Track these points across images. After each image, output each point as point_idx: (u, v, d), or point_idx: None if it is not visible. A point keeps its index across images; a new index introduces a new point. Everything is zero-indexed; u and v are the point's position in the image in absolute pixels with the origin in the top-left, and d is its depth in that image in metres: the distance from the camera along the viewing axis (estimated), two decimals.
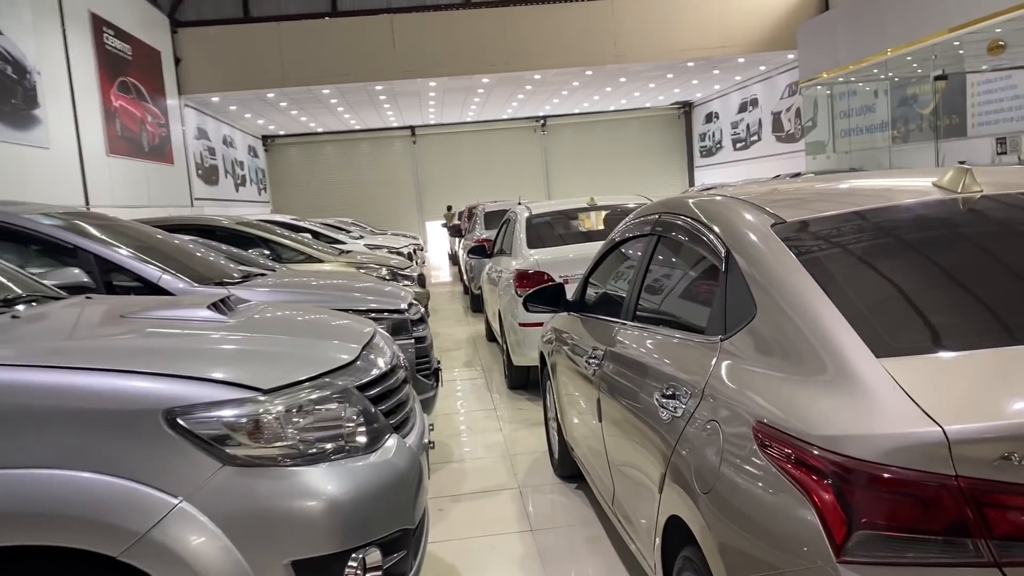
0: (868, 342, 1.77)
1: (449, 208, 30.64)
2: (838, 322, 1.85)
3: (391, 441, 2.41)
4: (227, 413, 2.08)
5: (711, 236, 2.50)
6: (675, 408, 2.31)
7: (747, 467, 1.86)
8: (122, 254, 4.51)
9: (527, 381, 6.99)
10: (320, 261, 9.41)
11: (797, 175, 18.00)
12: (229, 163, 24.39)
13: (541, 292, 4.15)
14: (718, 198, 2.73)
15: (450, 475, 4.99)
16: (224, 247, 7.73)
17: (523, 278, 6.53)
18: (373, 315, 4.77)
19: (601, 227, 7.28)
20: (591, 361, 3.41)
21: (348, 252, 10.54)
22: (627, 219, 3.64)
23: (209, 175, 21.84)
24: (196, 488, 2.01)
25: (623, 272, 3.59)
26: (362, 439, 2.31)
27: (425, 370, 4.98)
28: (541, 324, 6.37)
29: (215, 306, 2.69)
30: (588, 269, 4.10)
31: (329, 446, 2.23)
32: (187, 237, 7.70)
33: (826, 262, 2.12)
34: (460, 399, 7.01)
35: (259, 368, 2.26)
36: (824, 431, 1.65)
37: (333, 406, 2.27)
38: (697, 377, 2.26)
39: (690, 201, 2.83)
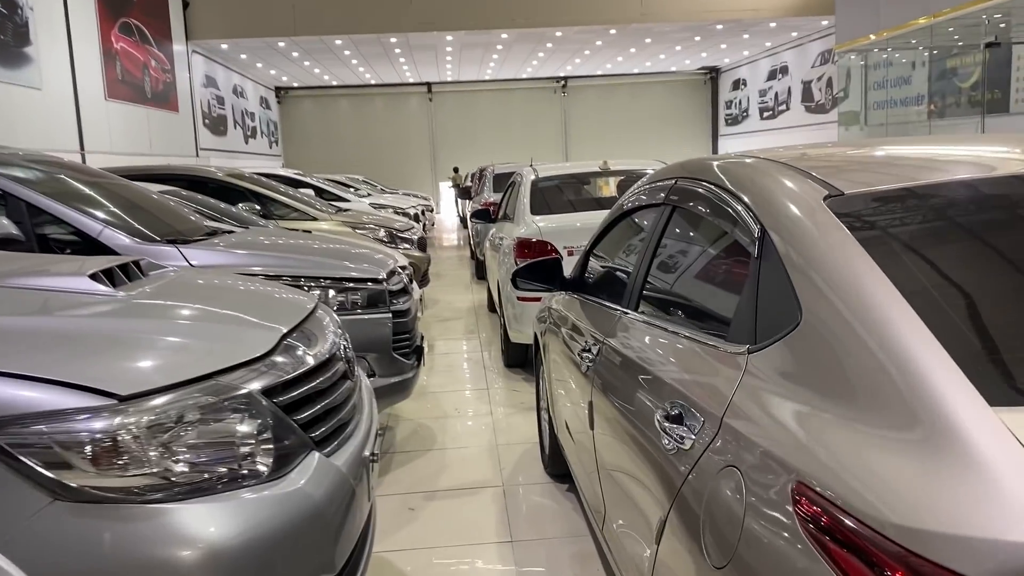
0: (977, 382, 1.18)
1: (456, 170, 29.89)
2: (930, 348, 1.25)
3: (308, 462, 1.85)
4: (64, 428, 1.52)
5: (740, 209, 1.90)
6: (681, 437, 1.74)
7: (780, 545, 1.28)
8: (59, 203, 3.95)
9: (525, 359, 6.43)
10: (313, 219, 8.86)
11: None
12: (239, 114, 23.76)
13: (534, 267, 3.57)
14: (750, 161, 2.12)
15: (429, 465, 4.45)
16: (204, 199, 7.19)
17: (524, 247, 5.94)
18: (347, 284, 4.21)
19: (614, 194, 6.66)
20: (585, 355, 2.83)
21: (346, 211, 9.97)
22: (638, 184, 3.03)
23: (217, 125, 21.24)
24: (12, 532, 1.46)
25: (630, 248, 2.99)
26: (265, 462, 1.75)
27: (405, 348, 4.41)
28: (540, 299, 5.80)
29: (106, 274, 2.12)
30: (591, 241, 3.51)
31: (218, 471, 1.67)
32: (167, 188, 7.17)
33: (906, 256, 1.52)
34: (451, 376, 6.47)
35: (123, 364, 1.69)
36: (910, 520, 1.07)
37: (225, 418, 1.71)
38: (713, 400, 1.68)
39: (715, 164, 2.22)
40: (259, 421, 1.75)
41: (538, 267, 3.57)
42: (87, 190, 4.46)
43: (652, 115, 31.34)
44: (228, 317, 2.10)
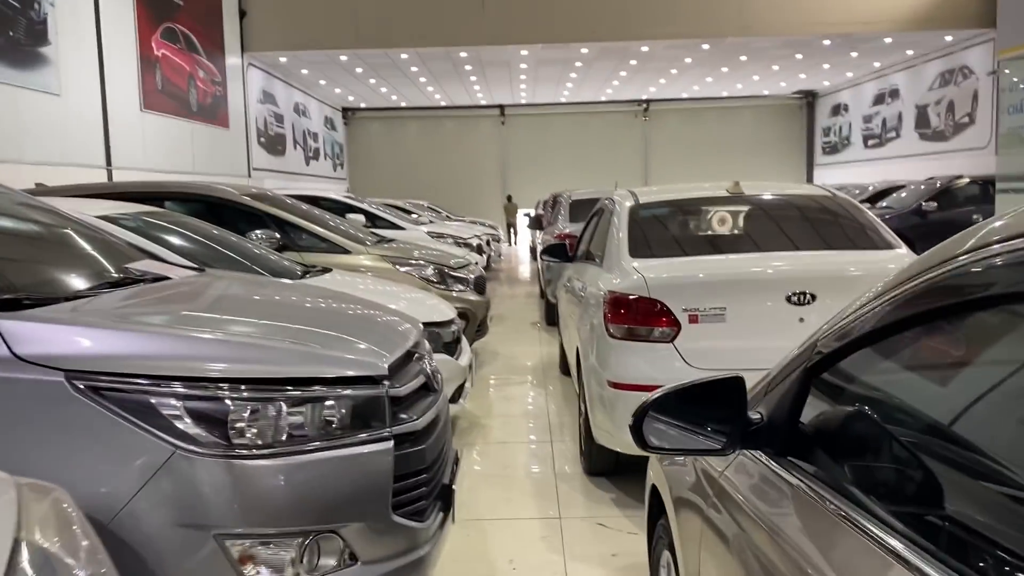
0: None
1: (509, 199, 27.89)
2: None
3: None
4: None
5: None
6: None
7: None
8: None
9: (615, 466, 4.43)
10: (344, 252, 7.06)
11: (958, 178, 14.75)
12: (300, 133, 22.45)
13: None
14: None
15: None
16: (195, 226, 5.48)
17: (620, 306, 3.96)
18: (313, 390, 2.29)
19: (747, 230, 4.63)
20: None
21: (390, 242, 8.15)
22: None
23: (274, 144, 19.90)
24: None
25: None
26: None
27: (418, 500, 2.47)
28: (652, 390, 3.81)
29: None
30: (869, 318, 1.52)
31: None
32: (148, 209, 5.51)
33: None
34: (506, 484, 4.48)
35: None
36: None
37: None
38: None
39: None
40: None
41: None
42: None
43: (740, 142, 28.96)
44: None
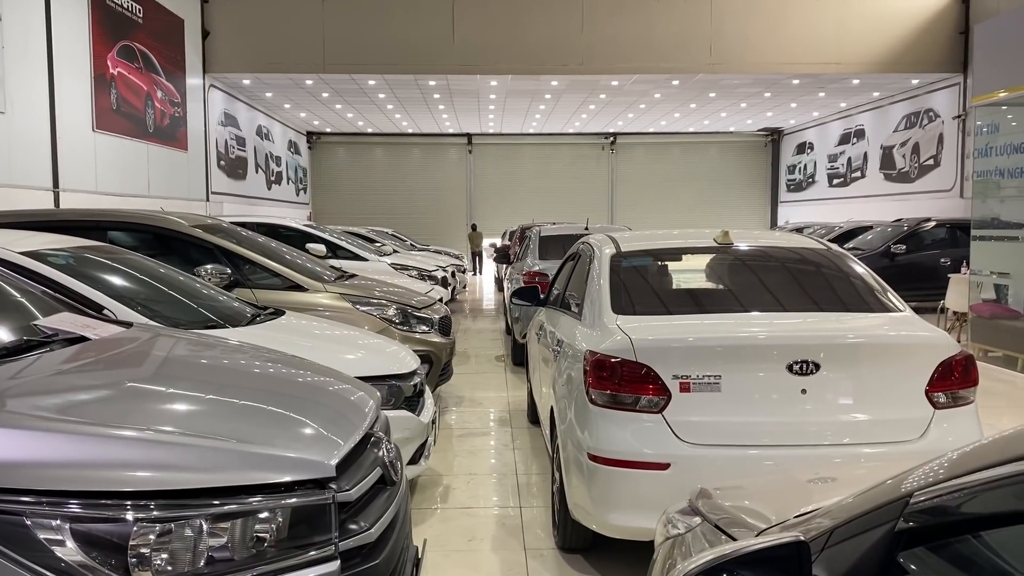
0: None
1: (474, 227, 27.49)
2: None
3: None
4: None
5: None
6: None
7: None
8: None
9: (591, 542, 4.02)
10: (300, 289, 6.61)
11: (926, 221, 14.70)
12: (262, 157, 21.90)
13: None
14: None
15: None
16: (130, 260, 5.00)
17: (603, 370, 3.56)
18: (236, 507, 1.86)
19: (738, 286, 4.28)
20: None
21: (351, 277, 7.69)
22: None
23: (234, 168, 19.32)
24: None
25: None
26: None
27: None
28: (638, 466, 3.44)
29: None
30: None
31: None
32: (81, 244, 5.03)
33: None
34: (472, 567, 4.04)
35: None
36: None
37: None
38: None
39: None
40: None
41: None
42: None
43: (706, 178, 29.03)
44: None
